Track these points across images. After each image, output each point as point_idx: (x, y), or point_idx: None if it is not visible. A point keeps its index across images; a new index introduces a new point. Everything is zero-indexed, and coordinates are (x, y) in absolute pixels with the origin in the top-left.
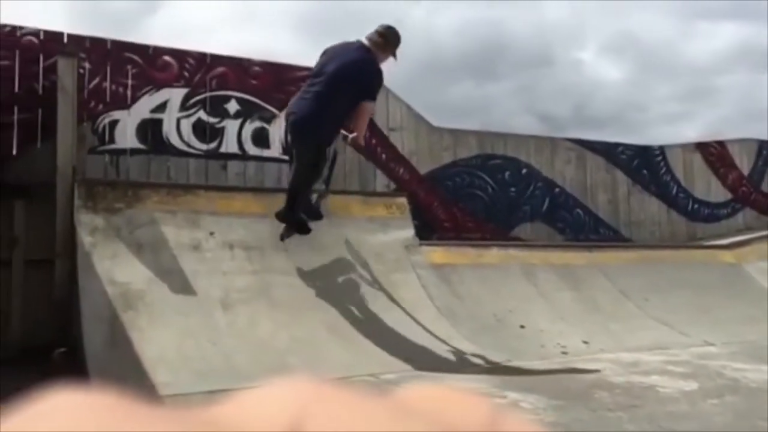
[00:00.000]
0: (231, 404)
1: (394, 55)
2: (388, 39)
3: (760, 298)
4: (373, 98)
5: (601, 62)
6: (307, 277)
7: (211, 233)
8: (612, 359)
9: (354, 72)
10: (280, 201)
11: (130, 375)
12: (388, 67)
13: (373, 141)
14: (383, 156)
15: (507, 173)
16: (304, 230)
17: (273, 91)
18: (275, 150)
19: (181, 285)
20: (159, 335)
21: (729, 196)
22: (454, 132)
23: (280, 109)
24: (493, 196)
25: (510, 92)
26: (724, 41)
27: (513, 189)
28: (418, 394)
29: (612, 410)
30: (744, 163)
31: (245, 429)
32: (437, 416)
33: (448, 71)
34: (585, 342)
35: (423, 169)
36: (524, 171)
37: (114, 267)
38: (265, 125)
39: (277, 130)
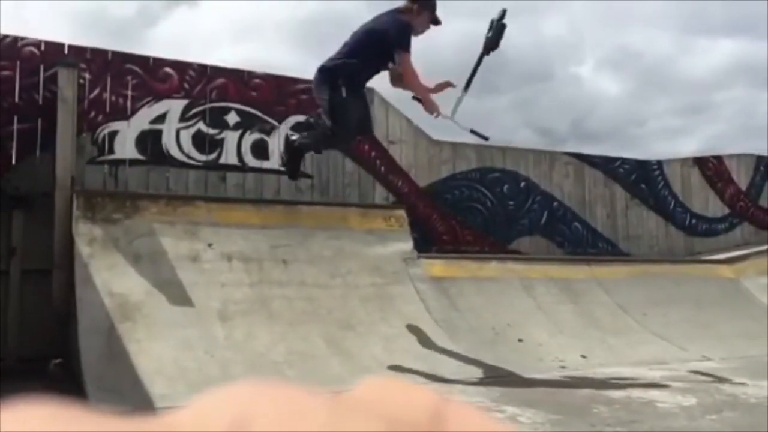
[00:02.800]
0: (174, 411)
1: (434, 21)
2: (423, 1)
3: (759, 313)
4: (401, 46)
5: (600, 77)
6: (305, 289)
7: (210, 245)
8: (611, 374)
9: (373, 24)
10: (279, 213)
11: (127, 387)
12: (428, 33)
13: (372, 153)
14: (382, 168)
15: (506, 186)
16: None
17: (273, 104)
18: (275, 162)
19: (179, 296)
20: (156, 347)
21: (727, 210)
22: (453, 145)
23: (280, 121)
24: (491, 210)
25: (509, 106)
26: (722, 57)
27: (512, 202)
28: (364, 388)
29: (611, 425)
30: (742, 178)
31: None
32: (381, 409)
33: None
34: (583, 356)
35: (422, 181)
36: (523, 184)
37: (112, 278)
38: (265, 137)
39: (276, 142)
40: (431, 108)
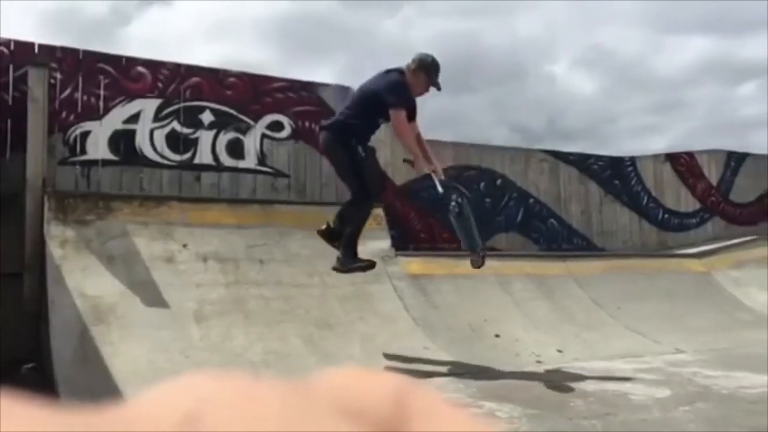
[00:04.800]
0: (128, 404)
1: (434, 83)
2: (419, 63)
3: (730, 306)
4: (390, 104)
5: (574, 76)
6: (282, 289)
7: (185, 245)
8: (586, 367)
9: (369, 82)
10: (255, 212)
11: (101, 389)
12: (426, 95)
13: None
14: None
15: (482, 184)
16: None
17: (248, 103)
18: (250, 161)
19: (154, 298)
20: (130, 349)
21: (698, 205)
22: (430, 143)
23: (256, 120)
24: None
25: (485, 105)
26: (693, 55)
27: (488, 200)
28: (326, 378)
29: (587, 418)
30: (713, 174)
31: (139, 428)
32: (341, 398)
33: None
34: (559, 351)
35: (399, 180)
36: (499, 182)
37: (85, 280)
38: (240, 136)
39: (252, 141)
40: (419, 167)
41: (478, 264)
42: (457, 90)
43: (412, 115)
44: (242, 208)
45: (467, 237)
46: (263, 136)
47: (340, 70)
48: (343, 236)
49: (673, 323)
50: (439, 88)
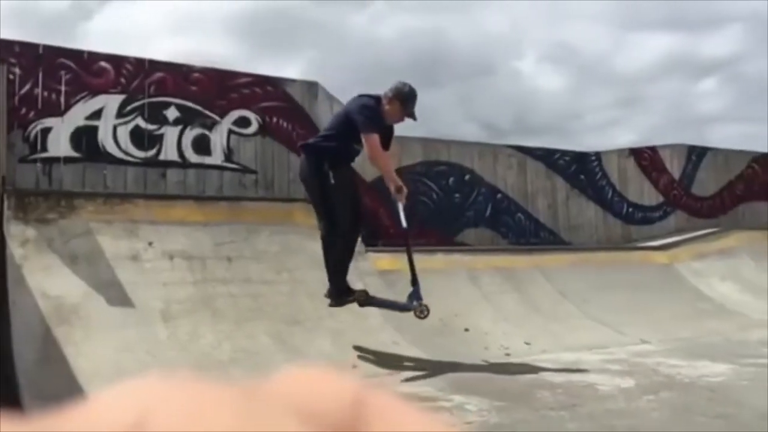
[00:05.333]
0: (76, 408)
1: (410, 114)
2: (396, 92)
3: (692, 297)
4: (360, 127)
5: (540, 72)
6: (251, 286)
7: (150, 243)
8: (553, 359)
9: (346, 105)
10: (222, 209)
11: (64, 392)
12: (402, 124)
13: None
14: None
15: (451, 179)
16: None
17: (214, 98)
18: (217, 157)
19: (119, 297)
20: (95, 350)
21: (661, 199)
22: (398, 139)
23: (222, 116)
24: (437, 202)
25: (453, 100)
26: (655, 52)
27: (457, 195)
28: (281, 379)
29: (554, 409)
30: (675, 168)
31: None
32: (296, 400)
33: (391, 79)
34: (527, 343)
35: (368, 176)
36: (468, 177)
37: (47, 280)
38: (206, 132)
39: (218, 137)
40: (395, 182)
41: (424, 315)
42: (426, 86)
43: (387, 142)
44: (209, 205)
45: (398, 307)
46: (230, 132)
47: (308, 65)
48: (327, 268)
49: (638, 314)
50: (414, 119)
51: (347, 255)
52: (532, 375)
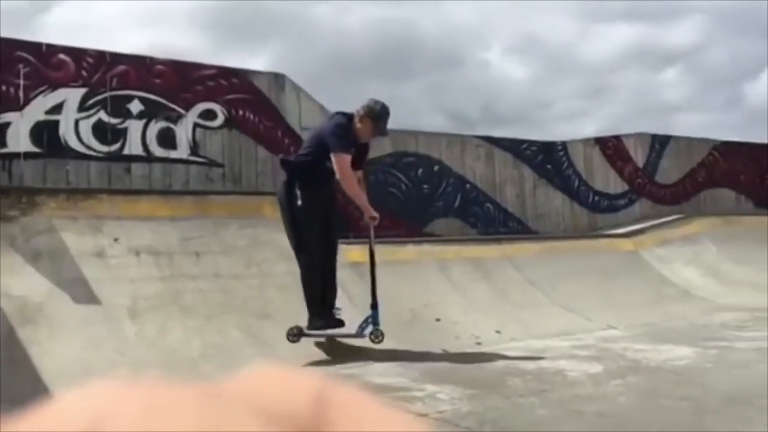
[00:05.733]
0: (30, 414)
1: (381, 131)
2: (367, 110)
3: (657, 282)
4: (331, 147)
5: (507, 62)
6: (220, 281)
7: (116, 239)
8: (523, 347)
9: (320, 125)
10: (188, 204)
11: (29, 393)
12: (373, 140)
13: (286, 141)
14: None
15: (420, 170)
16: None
17: (179, 91)
18: (182, 151)
19: (85, 295)
20: (61, 349)
21: (626, 187)
22: None
23: (187, 109)
24: (407, 194)
25: (420, 91)
26: (618, 42)
27: (426, 186)
28: (242, 378)
29: (524, 396)
30: (639, 156)
31: None
32: (258, 400)
33: (359, 70)
34: (497, 331)
35: None
36: (436, 168)
37: (9, 279)
38: (171, 126)
39: (184, 130)
40: (367, 211)
41: (378, 340)
42: (393, 77)
43: (360, 160)
44: (175, 200)
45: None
46: (195, 125)
47: (274, 57)
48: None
49: (605, 301)
50: (384, 134)
51: (315, 278)
52: (502, 363)
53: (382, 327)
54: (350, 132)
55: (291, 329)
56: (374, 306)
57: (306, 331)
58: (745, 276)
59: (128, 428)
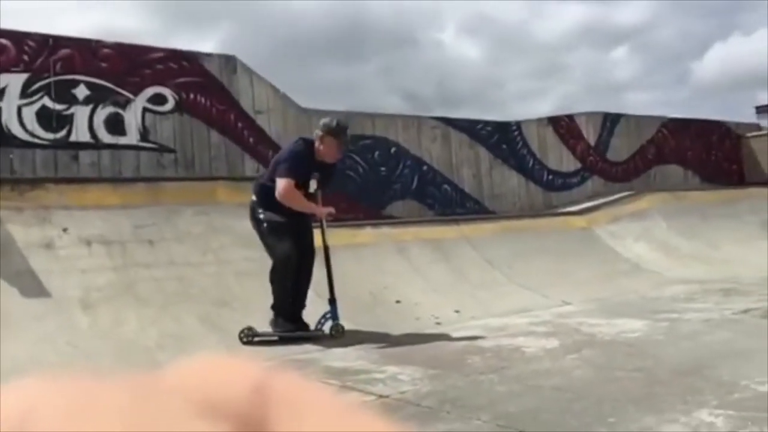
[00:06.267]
0: None
1: (343, 145)
2: (325, 129)
3: (610, 258)
4: (277, 173)
5: (460, 43)
6: (175, 269)
7: (65, 229)
8: (482, 325)
9: (278, 153)
10: (140, 191)
11: None
12: (333, 159)
13: (239, 124)
14: (250, 139)
15: (377, 153)
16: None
17: (126, 75)
18: (132, 137)
19: (34, 287)
20: (10, 345)
21: (579, 165)
22: (322, 113)
23: (135, 94)
24: (364, 176)
25: (375, 73)
26: (569, 21)
27: (383, 168)
28: (178, 369)
29: (484, 373)
30: (591, 135)
31: None
32: (194, 391)
33: (313, 52)
34: (456, 311)
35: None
36: (393, 150)
37: None
38: (120, 111)
39: (133, 116)
40: (319, 212)
41: (339, 335)
42: (348, 59)
43: (326, 182)
44: (126, 187)
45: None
46: (145, 110)
47: (225, 39)
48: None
49: (560, 277)
50: (347, 151)
51: (286, 282)
52: (462, 342)
53: (343, 309)
54: (307, 157)
55: (243, 330)
56: (332, 301)
57: (259, 332)
58: (693, 249)
59: (51, 428)
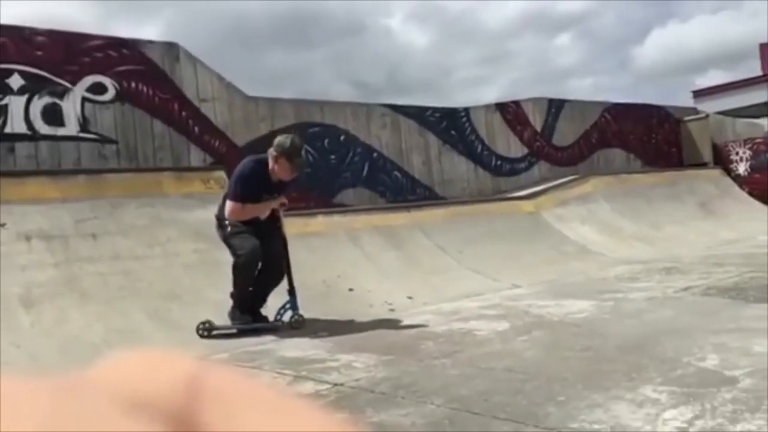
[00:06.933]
0: None
1: (297, 166)
2: (279, 150)
3: (557, 241)
4: (229, 196)
5: (409, 30)
6: (120, 263)
7: (3, 225)
8: (435, 310)
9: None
10: (81, 184)
11: None
12: (288, 178)
13: (183, 113)
14: (196, 129)
15: (326, 141)
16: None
17: (64, 63)
18: (71, 128)
19: None
20: None
21: (526, 151)
22: (269, 101)
23: (73, 83)
24: (314, 165)
25: (324, 60)
26: (515, 9)
27: (333, 156)
28: (105, 366)
29: (437, 358)
30: (537, 120)
31: None
32: (124, 389)
33: (259, 40)
34: (409, 297)
35: (240, 140)
36: (343, 138)
37: None
38: (57, 101)
39: (72, 105)
40: (276, 205)
41: (300, 325)
42: (295, 46)
43: (282, 190)
44: (66, 180)
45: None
46: (84, 99)
47: (167, 27)
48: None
49: (510, 261)
50: (302, 170)
51: (247, 275)
52: (415, 328)
53: (297, 299)
54: (259, 178)
55: (201, 324)
56: (291, 292)
57: (217, 325)
58: (636, 230)
59: None
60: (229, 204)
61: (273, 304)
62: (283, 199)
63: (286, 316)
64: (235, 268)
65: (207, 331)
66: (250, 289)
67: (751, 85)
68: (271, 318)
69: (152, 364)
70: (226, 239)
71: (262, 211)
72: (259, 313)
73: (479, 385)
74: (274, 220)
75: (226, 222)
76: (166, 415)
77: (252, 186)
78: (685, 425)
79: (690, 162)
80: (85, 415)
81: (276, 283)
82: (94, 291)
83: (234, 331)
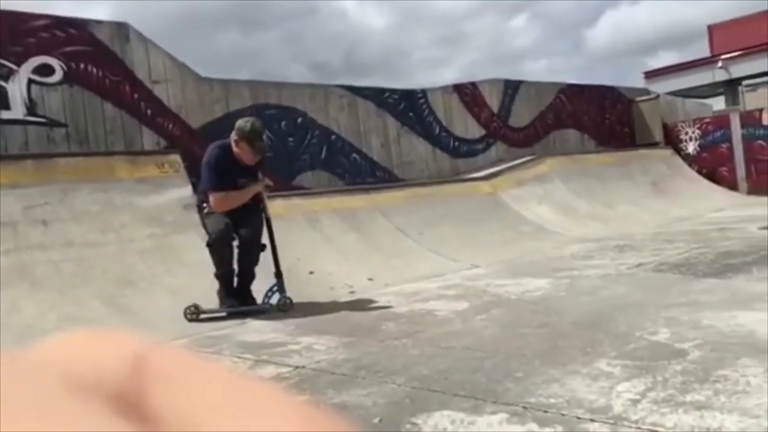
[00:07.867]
0: None
1: (258, 149)
2: (239, 134)
3: (514, 221)
4: (206, 188)
5: (365, 10)
6: (73, 250)
7: None
8: (395, 291)
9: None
10: (29, 169)
11: None
12: (251, 161)
13: (135, 95)
14: (148, 111)
15: (283, 123)
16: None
17: (7, 44)
18: (17, 111)
19: None
20: None
21: (483, 132)
22: (224, 82)
23: (18, 64)
24: (271, 147)
25: (278, 41)
26: None
27: (291, 139)
28: (47, 345)
29: (398, 338)
30: (493, 102)
31: None
32: (65, 367)
33: (211, 21)
34: (370, 279)
35: (194, 123)
36: (300, 120)
37: None
38: (2, 83)
39: (18, 88)
40: (261, 188)
41: (287, 308)
42: (247, 27)
43: (256, 172)
44: (13, 166)
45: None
46: (30, 81)
47: (116, 6)
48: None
49: (468, 242)
50: (265, 153)
51: (221, 261)
52: (376, 309)
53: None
54: (227, 163)
55: (188, 308)
56: (278, 275)
57: (205, 309)
58: (590, 210)
59: None
60: (212, 197)
61: (260, 288)
62: (268, 181)
63: (274, 299)
64: (209, 248)
65: (194, 314)
66: (234, 268)
67: (699, 66)
68: (259, 300)
69: (98, 343)
70: (202, 221)
71: (247, 195)
72: (249, 293)
73: (439, 363)
74: (258, 201)
75: (204, 205)
76: (112, 393)
77: (222, 173)
78: (637, 397)
79: (642, 142)
80: (24, 394)
81: (256, 256)
82: (46, 279)
83: (224, 314)
